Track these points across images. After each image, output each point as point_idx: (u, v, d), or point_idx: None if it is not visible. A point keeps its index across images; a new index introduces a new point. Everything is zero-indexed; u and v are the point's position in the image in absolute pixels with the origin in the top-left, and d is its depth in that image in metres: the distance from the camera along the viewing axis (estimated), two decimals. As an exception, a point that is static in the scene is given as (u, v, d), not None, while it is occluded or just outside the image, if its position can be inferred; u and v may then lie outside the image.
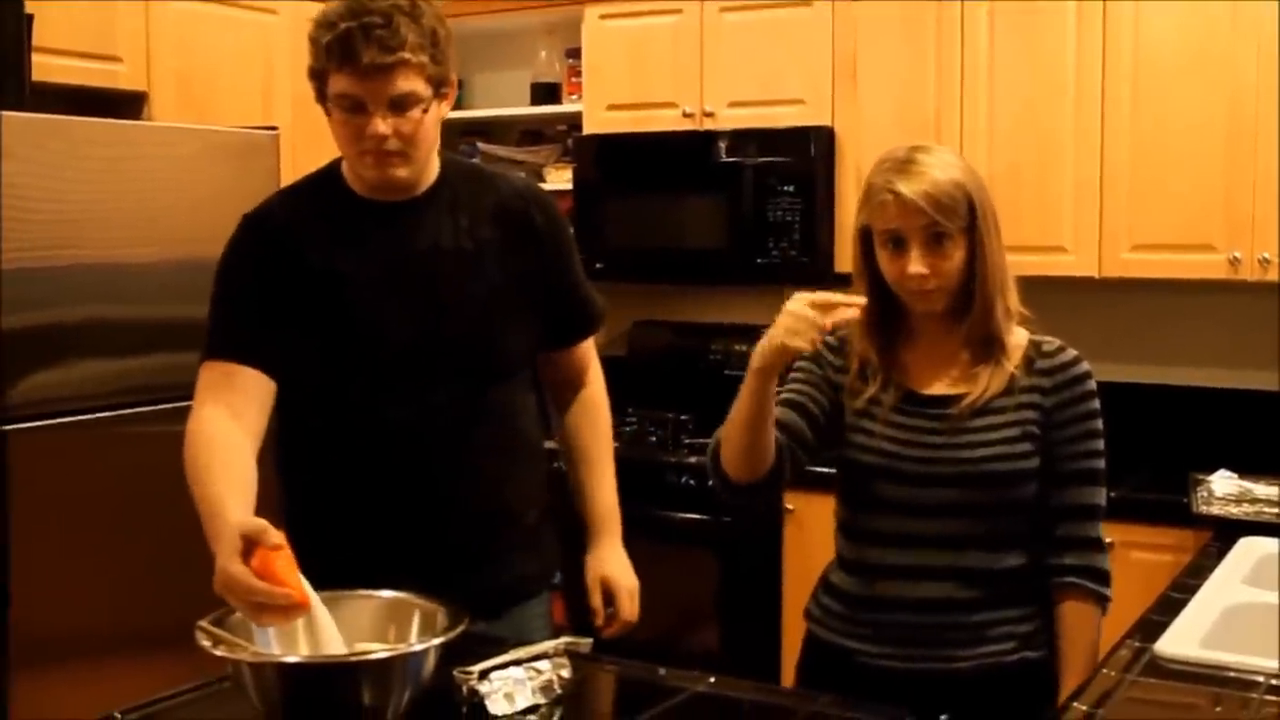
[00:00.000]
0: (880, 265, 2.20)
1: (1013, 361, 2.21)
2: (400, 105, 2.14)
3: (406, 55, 2.11)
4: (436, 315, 2.25)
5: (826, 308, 2.06)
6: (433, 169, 2.31)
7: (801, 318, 2.06)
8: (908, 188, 2.12)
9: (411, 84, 2.13)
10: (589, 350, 2.55)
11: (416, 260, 2.26)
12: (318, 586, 1.83)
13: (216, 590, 1.80)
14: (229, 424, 2.14)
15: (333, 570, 2.05)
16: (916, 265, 2.14)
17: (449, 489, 2.26)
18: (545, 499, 2.45)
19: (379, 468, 2.25)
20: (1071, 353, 2.25)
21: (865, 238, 2.23)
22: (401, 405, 2.24)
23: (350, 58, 2.10)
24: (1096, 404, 2.23)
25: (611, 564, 2.50)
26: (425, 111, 2.17)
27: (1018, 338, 2.24)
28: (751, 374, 2.14)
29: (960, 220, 2.14)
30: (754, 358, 2.14)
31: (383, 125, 2.13)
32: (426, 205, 2.29)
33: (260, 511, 1.95)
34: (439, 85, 2.19)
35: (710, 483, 2.31)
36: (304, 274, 2.23)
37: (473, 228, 2.30)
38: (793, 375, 2.34)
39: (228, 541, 1.80)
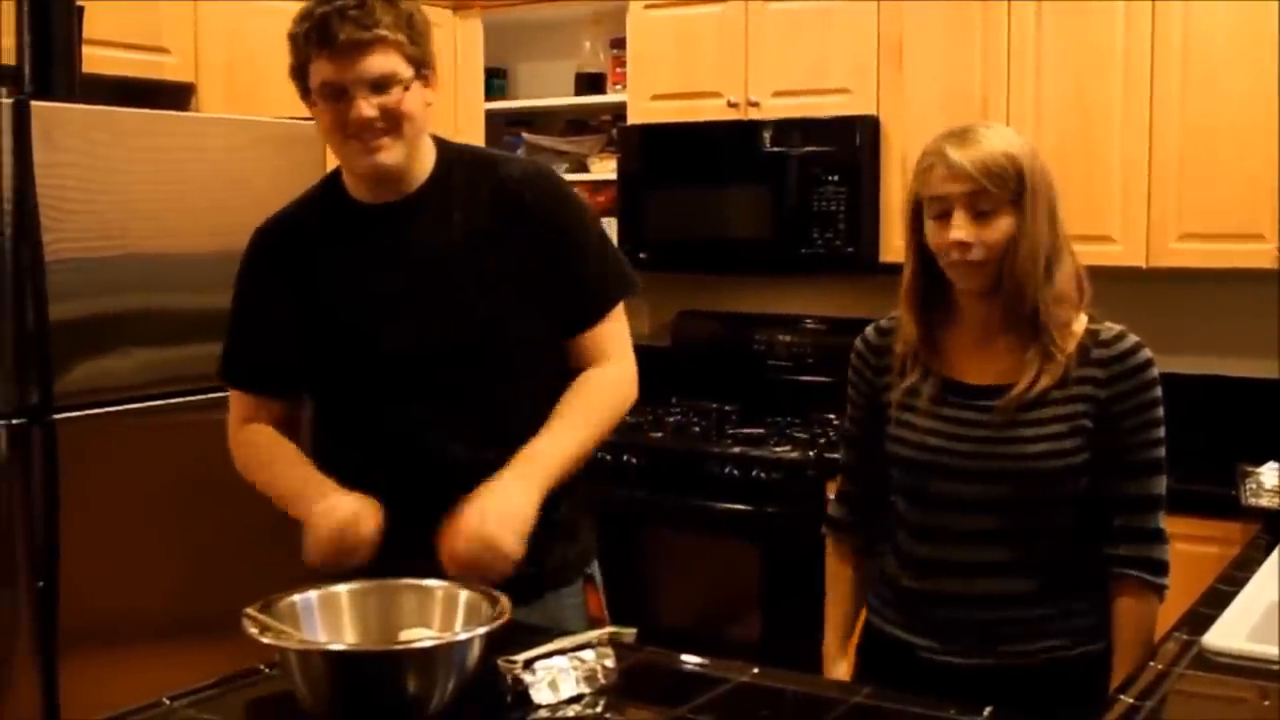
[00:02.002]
0: (926, 236, 2.18)
1: (1065, 350, 2.17)
2: (381, 86, 2.15)
3: (383, 32, 2.13)
4: (434, 318, 2.26)
5: None
6: (426, 161, 2.30)
7: None
8: (957, 154, 2.11)
9: (390, 63, 2.15)
10: (606, 337, 2.38)
11: (410, 264, 2.27)
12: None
13: (330, 522, 2.09)
14: (271, 432, 2.36)
15: (370, 562, 2.08)
16: (959, 231, 2.11)
17: (474, 483, 2.22)
18: (579, 490, 2.42)
19: (401, 469, 2.26)
20: (1131, 340, 2.20)
21: (916, 212, 2.21)
22: (415, 406, 2.26)
23: (326, 39, 2.12)
24: (1158, 392, 2.19)
25: (482, 498, 2.13)
26: (406, 89, 2.17)
27: (1075, 325, 2.20)
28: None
29: (1008, 191, 2.11)
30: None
31: (366, 108, 2.14)
32: (419, 204, 2.28)
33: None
34: (419, 66, 2.19)
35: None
36: (307, 286, 2.29)
37: (466, 221, 2.28)
38: (849, 394, 2.40)
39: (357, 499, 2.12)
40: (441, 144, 2.35)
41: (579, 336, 2.35)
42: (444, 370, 2.26)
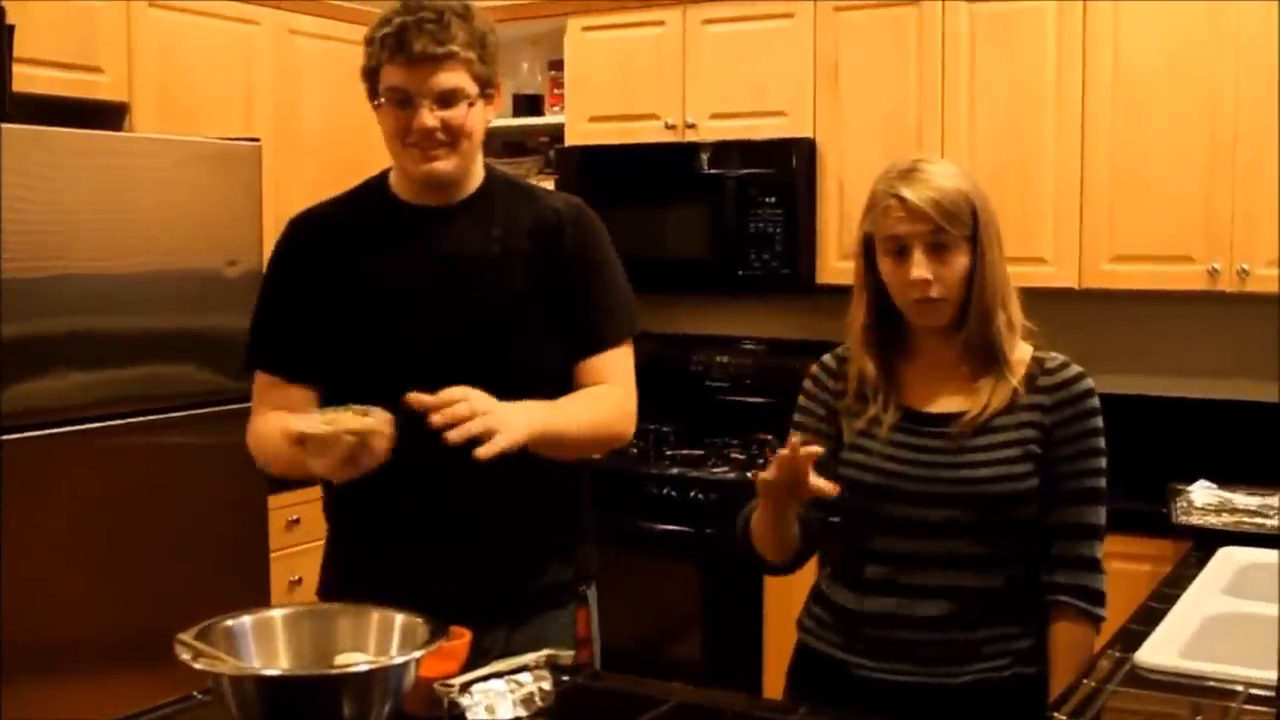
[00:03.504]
0: (882, 274, 2.19)
1: (1015, 377, 2.20)
2: (447, 100, 2.22)
3: (456, 49, 2.20)
4: (458, 318, 2.29)
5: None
6: (476, 177, 2.37)
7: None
8: (913, 193, 2.12)
9: (458, 79, 2.22)
10: (612, 366, 2.40)
11: (443, 264, 2.31)
12: (353, 593, 2.01)
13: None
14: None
15: (368, 575, 2.13)
16: (920, 270, 2.12)
17: (477, 498, 2.25)
18: (582, 513, 2.45)
19: (412, 471, 2.24)
20: (1075, 369, 2.23)
21: (868, 249, 2.22)
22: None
23: (403, 47, 2.20)
24: (1099, 422, 2.22)
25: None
26: (471, 106, 2.24)
27: (1021, 353, 2.22)
28: (760, 500, 2.20)
29: (964, 228, 2.14)
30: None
31: (430, 118, 2.22)
32: (462, 212, 2.34)
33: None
34: (484, 85, 2.27)
35: (744, 559, 2.35)
36: (335, 276, 2.33)
37: (505, 237, 2.34)
38: (796, 419, 2.36)
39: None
40: (489, 165, 2.42)
41: (586, 361, 2.38)
42: (457, 374, 2.24)
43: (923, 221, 2.12)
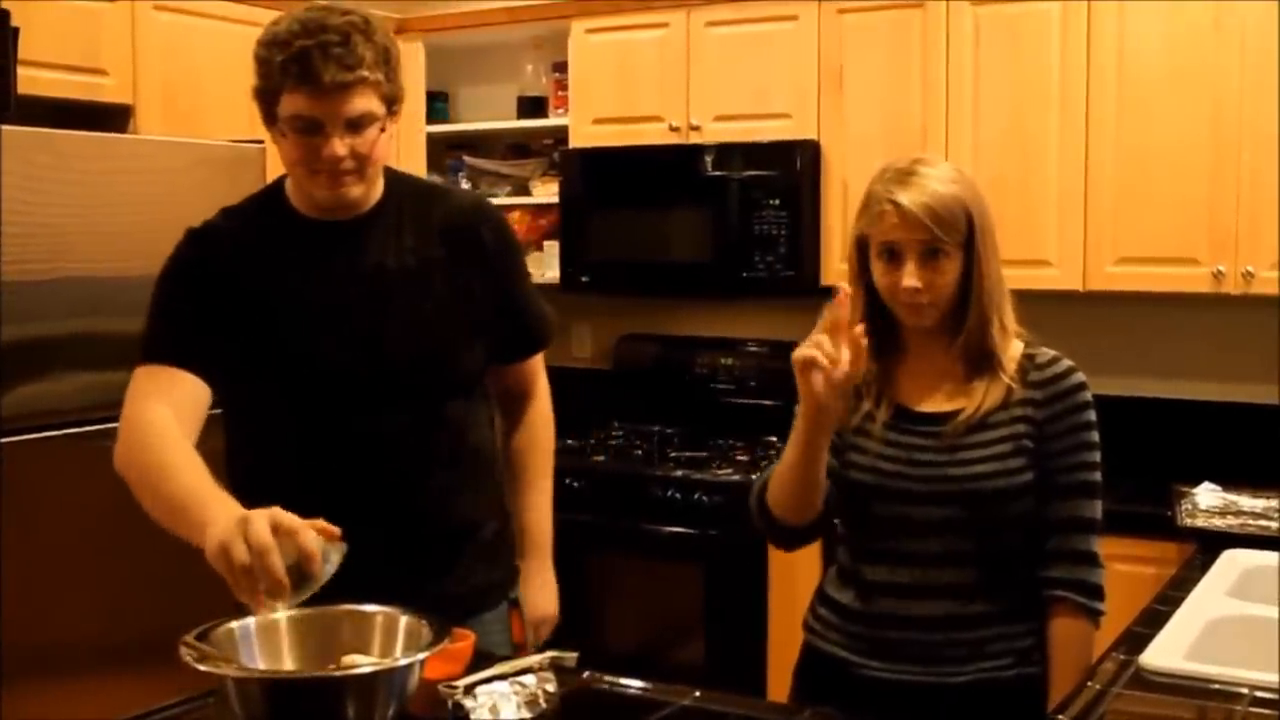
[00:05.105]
0: (874, 276, 2.19)
1: (1009, 375, 2.20)
2: (357, 125, 2.13)
3: (365, 73, 2.10)
4: (384, 334, 2.25)
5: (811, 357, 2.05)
6: (379, 187, 2.30)
7: (797, 371, 2.08)
8: (908, 198, 2.11)
9: (369, 103, 2.13)
10: (537, 364, 2.56)
11: (362, 280, 2.26)
12: None
13: (225, 542, 1.76)
14: (175, 424, 2.11)
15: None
16: (911, 279, 2.13)
17: (404, 504, 2.26)
18: (502, 512, 2.46)
19: (332, 485, 2.23)
20: (1065, 363, 2.24)
21: (862, 248, 2.22)
22: (352, 424, 2.24)
23: (309, 78, 2.07)
24: (1091, 415, 2.22)
25: (533, 587, 2.52)
26: (381, 130, 2.17)
27: (1013, 350, 2.23)
28: (796, 421, 2.15)
29: (958, 235, 2.13)
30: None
31: (340, 147, 2.12)
32: (371, 224, 2.28)
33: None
34: (391, 103, 2.19)
35: (755, 524, 2.33)
36: (247, 295, 2.23)
37: (419, 246, 2.29)
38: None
39: (239, 515, 1.80)
40: (388, 170, 2.35)
41: (517, 364, 2.50)
42: (384, 385, 2.25)
43: (917, 230, 2.12)
